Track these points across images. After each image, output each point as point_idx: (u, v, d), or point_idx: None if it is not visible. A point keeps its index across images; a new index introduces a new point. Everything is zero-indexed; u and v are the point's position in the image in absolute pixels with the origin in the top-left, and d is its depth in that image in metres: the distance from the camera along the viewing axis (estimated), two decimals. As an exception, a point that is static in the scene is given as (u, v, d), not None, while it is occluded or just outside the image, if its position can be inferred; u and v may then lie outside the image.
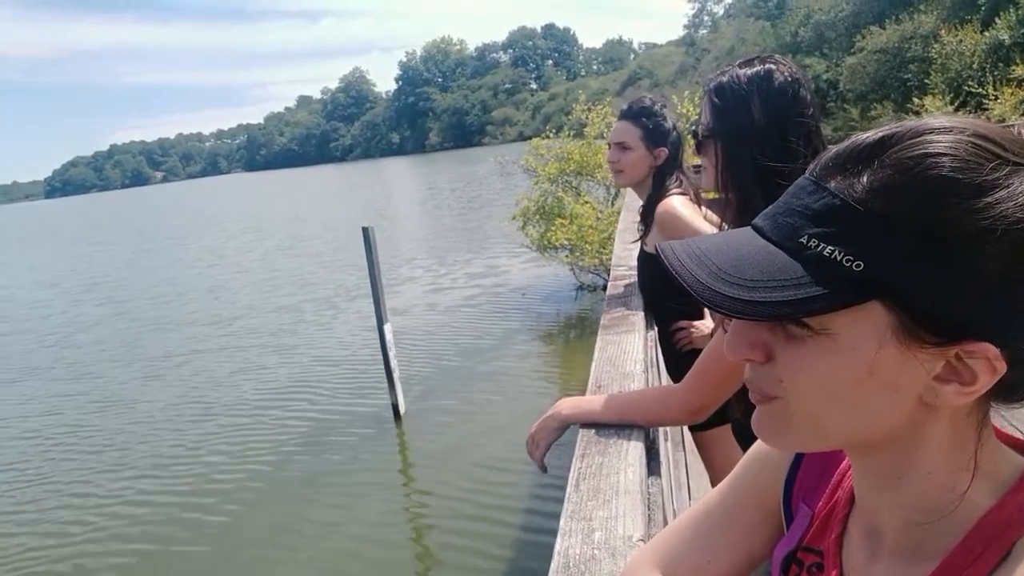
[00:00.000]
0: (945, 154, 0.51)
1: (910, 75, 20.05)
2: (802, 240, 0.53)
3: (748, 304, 0.52)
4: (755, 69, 1.44)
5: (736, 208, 1.47)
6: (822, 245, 0.52)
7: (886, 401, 0.54)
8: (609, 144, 2.51)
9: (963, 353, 0.52)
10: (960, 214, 0.49)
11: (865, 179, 0.52)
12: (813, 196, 0.54)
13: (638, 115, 2.40)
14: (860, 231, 0.51)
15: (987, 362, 0.51)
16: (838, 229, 0.52)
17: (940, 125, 0.53)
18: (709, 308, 0.54)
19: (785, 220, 0.55)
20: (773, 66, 1.43)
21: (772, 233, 0.56)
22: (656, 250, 0.59)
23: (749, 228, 0.59)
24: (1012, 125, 0.54)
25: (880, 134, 0.54)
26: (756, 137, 1.40)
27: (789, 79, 1.42)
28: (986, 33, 17.56)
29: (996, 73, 15.42)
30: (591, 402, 1.44)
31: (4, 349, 13.16)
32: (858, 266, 0.50)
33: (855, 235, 0.51)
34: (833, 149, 0.57)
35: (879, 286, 0.51)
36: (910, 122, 0.54)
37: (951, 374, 0.53)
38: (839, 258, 0.51)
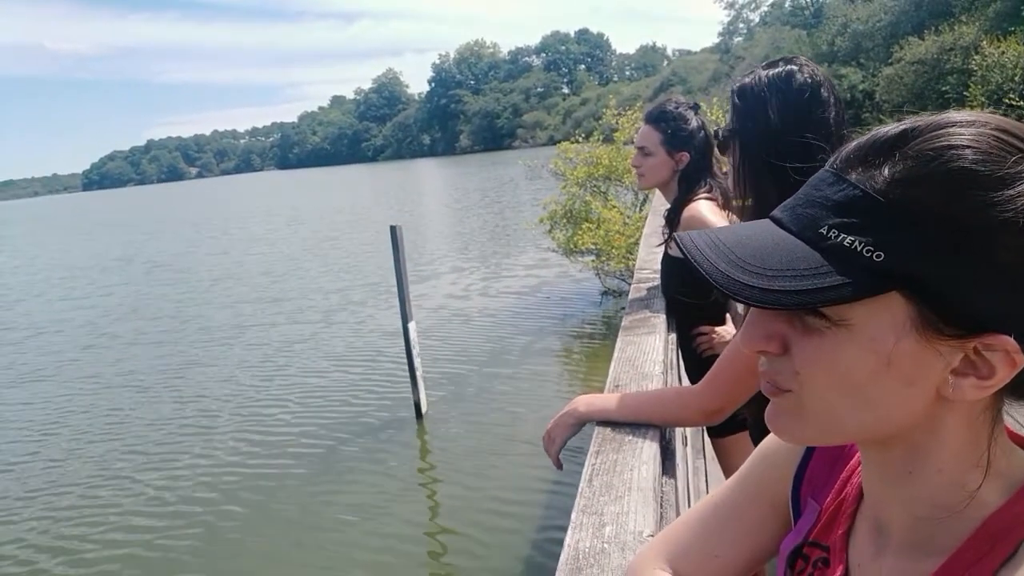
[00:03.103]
0: (967, 146, 0.50)
1: (948, 87, 19.72)
2: (822, 231, 0.53)
3: (767, 293, 0.52)
4: (776, 70, 1.44)
5: (753, 211, 1.46)
6: (842, 235, 0.52)
7: (903, 394, 0.53)
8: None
9: (982, 346, 0.51)
10: (981, 206, 0.49)
11: (886, 171, 0.52)
12: (833, 187, 0.54)
13: (657, 119, 2.38)
14: (881, 222, 0.51)
15: (1006, 355, 0.51)
16: (859, 220, 0.52)
17: (962, 118, 0.53)
18: (728, 297, 0.54)
19: (805, 211, 0.55)
20: (794, 67, 1.43)
21: (792, 224, 0.56)
22: (678, 245, 0.59)
23: (768, 220, 0.59)
24: None
25: (902, 127, 0.54)
26: (772, 137, 1.40)
27: (809, 80, 1.42)
28: (1030, 45, 17.22)
29: (1039, 86, 15.11)
30: (608, 400, 1.44)
31: (84, 318, 14.68)
32: (878, 256, 0.50)
33: (876, 226, 0.51)
34: (854, 142, 0.56)
35: (899, 277, 0.50)
36: (932, 115, 0.54)
37: (969, 367, 0.52)
38: (859, 248, 0.51)
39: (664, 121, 2.36)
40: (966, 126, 0.52)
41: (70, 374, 10.71)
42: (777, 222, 0.57)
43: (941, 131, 0.52)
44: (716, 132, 1.56)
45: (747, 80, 1.47)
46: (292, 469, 6.65)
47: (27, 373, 11.02)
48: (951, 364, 0.52)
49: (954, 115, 0.53)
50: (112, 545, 5.71)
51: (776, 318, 0.57)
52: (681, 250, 0.57)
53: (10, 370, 11.31)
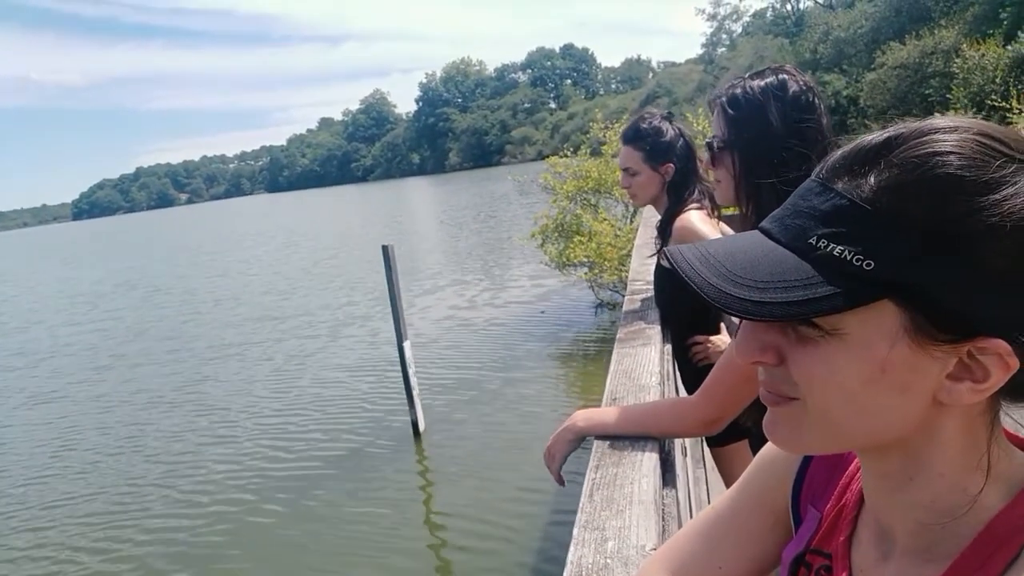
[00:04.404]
0: (951, 152, 0.51)
1: (931, 90, 19.97)
2: (811, 241, 0.53)
3: (758, 305, 0.52)
4: (768, 79, 1.45)
5: (754, 221, 1.46)
6: (831, 245, 0.52)
7: (900, 400, 0.53)
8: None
9: (975, 350, 0.51)
10: (968, 211, 0.49)
11: (872, 179, 0.52)
12: (820, 197, 0.54)
13: (634, 139, 2.38)
14: (869, 230, 0.51)
15: (999, 358, 0.51)
16: (847, 229, 0.52)
17: (945, 124, 0.53)
18: (719, 310, 0.54)
19: (793, 222, 0.55)
20: (786, 76, 1.44)
21: (780, 235, 0.56)
22: (668, 260, 0.59)
23: (757, 231, 0.59)
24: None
25: (886, 135, 0.54)
26: (774, 145, 1.40)
27: (803, 87, 1.43)
28: (1009, 47, 17.45)
29: (1020, 87, 15.27)
30: (605, 413, 1.43)
31: (90, 342, 15.09)
32: (868, 265, 0.50)
33: (864, 234, 0.51)
34: (839, 151, 0.57)
35: (889, 285, 0.51)
36: (915, 122, 0.54)
37: (964, 372, 0.52)
38: (849, 258, 0.51)
39: (640, 139, 2.37)
40: (949, 132, 0.52)
41: (83, 393, 11.03)
42: (766, 233, 0.57)
43: (925, 138, 0.52)
44: (709, 145, 1.55)
45: (737, 90, 1.47)
46: (288, 489, 6.64)
47: (42, 393, 11.35)
48: (946, 369, 0.52)
49: (937, 121, 0.53)
50: (117, 554, 5.87)
51: (769, 329, 0.57)
52: (672, 265, 0.57)
53: (24, 391, 11.67)
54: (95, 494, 7.17)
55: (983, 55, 17.46)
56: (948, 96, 17.77)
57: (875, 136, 0.55)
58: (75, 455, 8.36)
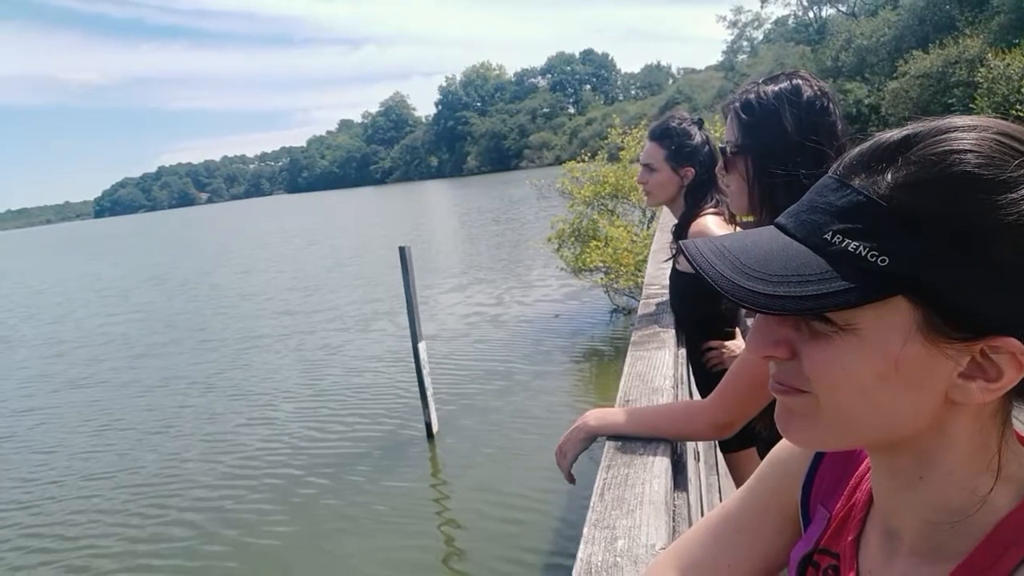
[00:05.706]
0: (970, 150, 0.51)
1: (955, 100, 19.75)
2: (826, 236, 0.53)
3: (773, 299, 0.52)
4: (782, 84, 1.44)
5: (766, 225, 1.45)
6: (847, 241, 0.52)
7: (912, 398, 0.53)
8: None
9: (988, 349, 0.51)
10: (984, 210, 0.49)
11: (890, 176, 0.52)
12: (837, 193, 0.54)
13: (661, 136, 2.37)
14: (885, 227, 0.51)
15: (1012, 357, 0.51)
16: (863, 225, 0.52)
17: (964, 123, 0.53)
18: (733, 303, 0.54)
19: (809, 217, 0.55)
20: (800, 81, 1.43)
21: (796, 230, 0.56)
22: (683, 253, 0.59)
23: (772, 227, 0.59)
24: None
25: (904, 132, 0.54)
26: (789, 150, 1.39)
27: (818, 92, 1.42)
28: (1035, 57, 17.23)
29: (1045, 97, 15.08)
30: (617, 414, 1.43)
31: (123, 332, 15.70)
32: (883, 261, 0.50)
33: (880, 231, 0.51)
34: (857, 148, 0.57)
35: (904, 281, 0.50)
36: (934, 120, 0.54)
37: (976, 370, 0.52)
38: (864, 253, 0.51)
39: (668, 137, 2.36)
40: (968, 130, 0.52)
41: (120, 379, 11.61)
42: (782, 228, 0.57)
43: (943, 136, 0.52)
44: (723, 150, 1.55)
45: (751, 95, 1.47)
46: (301, 489, 6.70)
47: (80, 378, 11.86)
48: (958, 367, 0.52)
49: (956, 120, 0.53)
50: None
51: (783, 323, 0.57)
52: (687, 258, 0.57)
53: (61, 376, 12.18)
54: (137, 468, 7.57)
55: (1008, 64, 17.23)
56: (972, 106, 17.56)
57: (893, 133, 0.55)
58: (116, 434, 8.81)
